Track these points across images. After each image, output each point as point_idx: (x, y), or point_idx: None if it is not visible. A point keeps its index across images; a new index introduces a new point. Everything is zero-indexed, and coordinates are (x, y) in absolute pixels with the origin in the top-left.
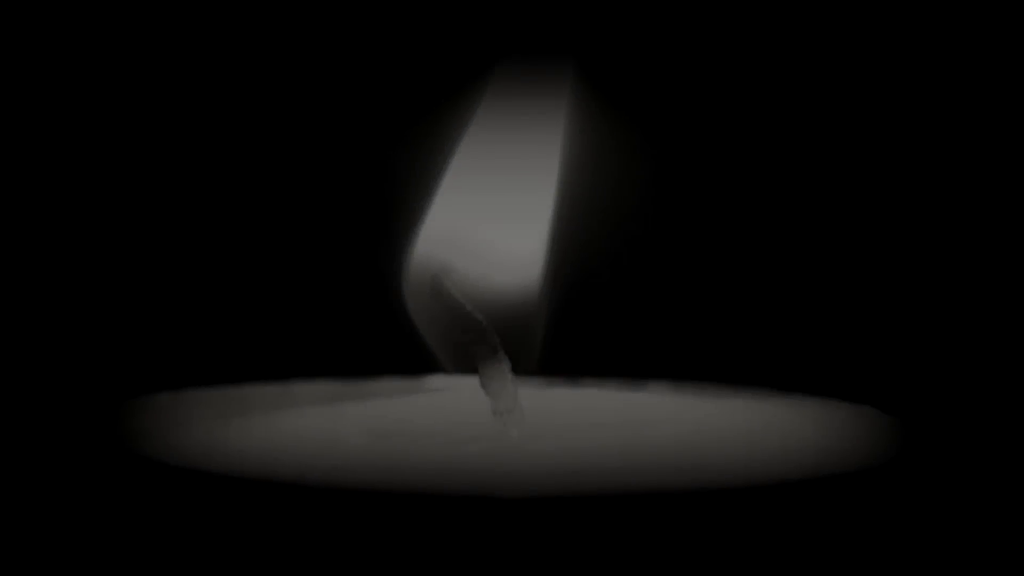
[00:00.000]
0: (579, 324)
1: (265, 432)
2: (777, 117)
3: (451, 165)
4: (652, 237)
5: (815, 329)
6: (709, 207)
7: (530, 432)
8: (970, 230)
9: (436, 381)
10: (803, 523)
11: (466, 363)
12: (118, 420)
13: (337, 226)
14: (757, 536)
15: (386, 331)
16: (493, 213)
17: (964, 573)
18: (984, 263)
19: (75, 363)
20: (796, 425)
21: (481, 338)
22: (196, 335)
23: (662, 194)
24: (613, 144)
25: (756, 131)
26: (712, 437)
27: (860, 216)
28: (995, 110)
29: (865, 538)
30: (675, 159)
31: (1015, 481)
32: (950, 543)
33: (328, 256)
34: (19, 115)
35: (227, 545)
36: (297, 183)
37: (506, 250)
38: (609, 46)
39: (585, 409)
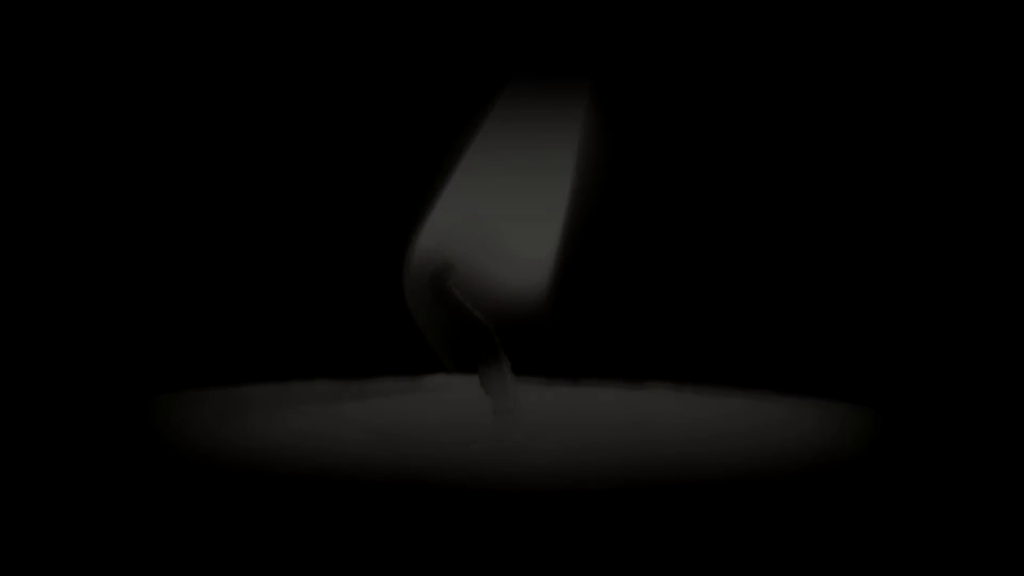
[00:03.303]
0: (579, 324)
1: (265, 432)
2: (778, 121)
3: (461, 165)
4: (652, 237)
5: (815, 329)
6: (709, 207)
7: (530, 432)
8: (969, 230)
9: (436, 381)
10: (801, 521)
11: (466, 363)
12: (117, 420)
13: (337, 226)
14: (756, 534)
15: (386, 331)
16: (503, 214)
17: (960, 570)
18: (983, 264)
19: (75, 364)
20: (796, 425)
21: (482, 338)
22: (196, 335)
23: (662, 195)
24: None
25: (758, 134)
26: (712, 437)
27: (859, 216)
28: (995, 110)
29: (864, 538)
30: (675, 160)
31: (1014, 481)
32: (948, 542)
33: (328, 256)
34: (22, 116)
35: (227, 545)
36: (298, 183)
37: (514, 251)
38: (625, 63)
39: (585, 409)
